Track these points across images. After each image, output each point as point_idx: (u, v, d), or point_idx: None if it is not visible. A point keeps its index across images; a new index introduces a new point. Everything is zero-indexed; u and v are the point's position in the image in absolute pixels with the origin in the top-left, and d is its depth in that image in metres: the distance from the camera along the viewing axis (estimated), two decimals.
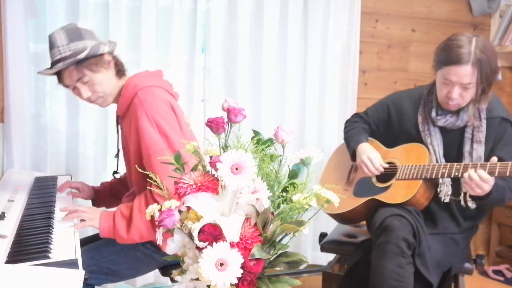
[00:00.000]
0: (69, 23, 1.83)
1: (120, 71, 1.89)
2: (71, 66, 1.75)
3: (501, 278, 3.36)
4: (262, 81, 2.97)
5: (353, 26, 3.14)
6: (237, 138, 1.18)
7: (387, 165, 2.15)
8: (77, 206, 1.80)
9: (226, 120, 1.19)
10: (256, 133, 1.22)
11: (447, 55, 1.94)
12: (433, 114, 2.07)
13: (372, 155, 2.15)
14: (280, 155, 1.19)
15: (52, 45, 1.77)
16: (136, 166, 1.65)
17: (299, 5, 3.01)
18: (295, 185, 1.14)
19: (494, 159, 1.86)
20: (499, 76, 3.59)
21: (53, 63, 1.78)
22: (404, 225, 1.92)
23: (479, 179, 1.82)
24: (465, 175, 1.86)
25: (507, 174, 1.82)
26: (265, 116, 2.99)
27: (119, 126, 1.98)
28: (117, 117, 1.96)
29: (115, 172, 2.13)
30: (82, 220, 1.73)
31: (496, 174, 1.83)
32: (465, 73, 1.90)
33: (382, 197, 2.10)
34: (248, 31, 2.92)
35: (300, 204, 1.10)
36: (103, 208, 2.05)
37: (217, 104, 1.39)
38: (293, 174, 1.19)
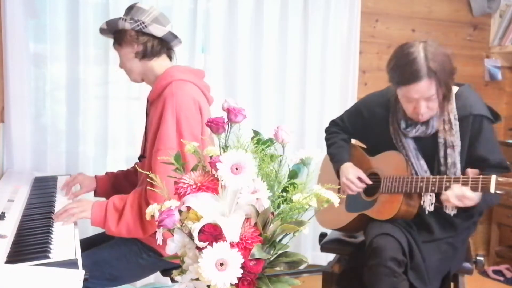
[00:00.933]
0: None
1: (140, 53, 1.87)
2: (108, 34, 1.96)
3: (501, 278, 3.36)
4: (262, 81, 2.97)
5: (353, 26, 3.14)
6: (237, 138, 1.18)
7: (370, 182, 2.12)
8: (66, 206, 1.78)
9: (226, 120, 1.19)
10: (256, 133, 1.22)
11: (401, 75, 1.87)
12: (403, 126, 2.01)
13: (351, 176, 2.11)
14: (280, 155, 1.19)
15: None
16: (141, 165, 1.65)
17: (299, 5, 3.01)
18: (295, 185, 1.14)
19: (468, 171, 1.82)
20: (499, 76, 3.58)
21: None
22: (392, 244, 1.88)
23: (461, 195, 1.78)
24: (449, 193, 1.80)
25: (479, 190, 1.77)
26: (265, 116, 2.99)
27: (146, 112, 1.98)
28: (147, 102, 1.96)
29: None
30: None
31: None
32: (425, 87, 1.84)
33: (370, 212, 2.08)
34: (248, 31, 2.92)
35: (300, 204, 1.10)
36: (96, 199, 2.04)
37: (217, 104, 1.39)
38: (293, 174, 1.19)
